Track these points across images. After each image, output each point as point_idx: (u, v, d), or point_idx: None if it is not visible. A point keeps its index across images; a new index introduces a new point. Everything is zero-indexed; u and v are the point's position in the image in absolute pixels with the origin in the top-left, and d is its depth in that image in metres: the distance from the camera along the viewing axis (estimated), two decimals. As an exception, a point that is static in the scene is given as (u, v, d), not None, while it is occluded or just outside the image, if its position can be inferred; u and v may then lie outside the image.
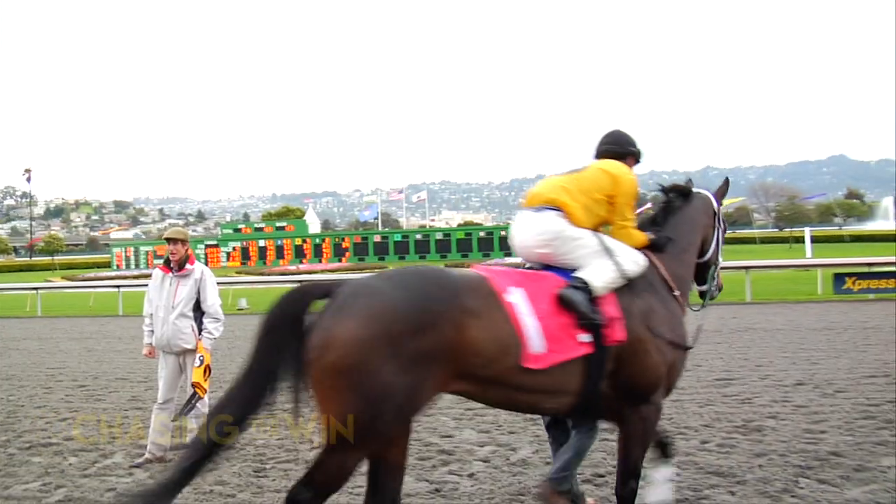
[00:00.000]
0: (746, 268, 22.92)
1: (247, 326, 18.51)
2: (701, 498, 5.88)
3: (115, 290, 30.24)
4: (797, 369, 11.14)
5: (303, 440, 8.11)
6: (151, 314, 8.00)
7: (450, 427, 8.40)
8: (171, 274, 7.85)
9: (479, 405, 9.10)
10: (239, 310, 25.35)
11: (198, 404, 7.51)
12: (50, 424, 9.43)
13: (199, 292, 7.78)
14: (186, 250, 7.86)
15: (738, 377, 10.46)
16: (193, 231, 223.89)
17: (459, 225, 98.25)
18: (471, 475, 6.70)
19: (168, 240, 7.89)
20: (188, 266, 7.81)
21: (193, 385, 7.49)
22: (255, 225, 79.10)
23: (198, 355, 7.58)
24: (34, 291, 30.64)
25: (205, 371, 7.50)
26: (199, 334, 7.71)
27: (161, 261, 8.11)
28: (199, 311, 7.78)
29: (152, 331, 7.96)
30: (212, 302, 7.79)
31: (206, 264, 57.56)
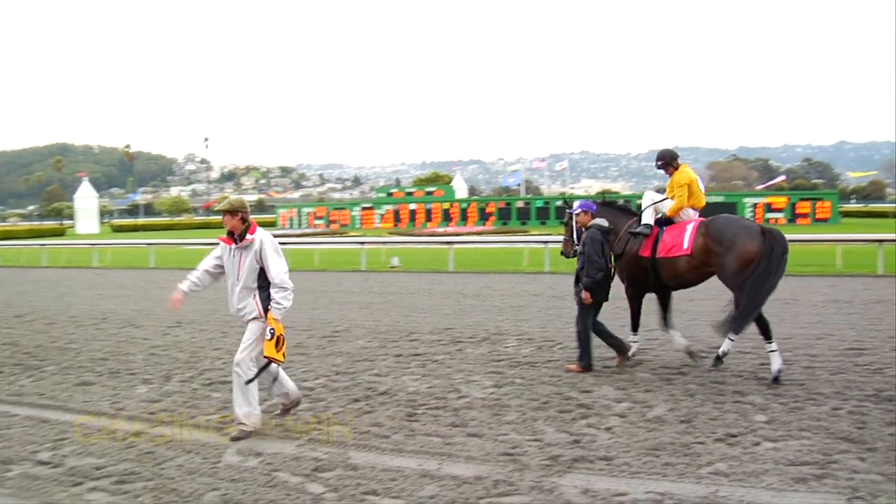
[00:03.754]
0: (879, 241, 21.85)
1: (399, 282, 18.88)
2: (830, 462, 5.72)
3: (281, 246, 30.94)
4: (928, 340, 10.62)
5: (450, 389, 8.27)
6: (205, 269, 7.58)
7: (589, 383, 8.37)
8: (233, 245, 7.19)
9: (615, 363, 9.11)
10: (391, 267, 25.74)
11: (282, 380, 7.23)
12: (226, 364, 9.86)
13: (261, 263, 7.03)
14: (243, 220, 7.07)
15: (869, 347, 10.02)
16: (350, 194, 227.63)
17: (598, 193, 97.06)
18: (608, 429, 6.68)
19: (220, 212, 7.25)
20: (248, 236, 7.06)
21: (266, 357, 6.90)
22: (407, 189, 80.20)
23: (268, 328, 6.89)
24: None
25: (277, 342, 6.86)
26: (269, 306, 6.97)
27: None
28: (267, 281, 7.04)
29: (193, 281, 7.56)
30: (276, 272, 6.96)
31: (361, 226, 57.94)
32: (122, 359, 10.49)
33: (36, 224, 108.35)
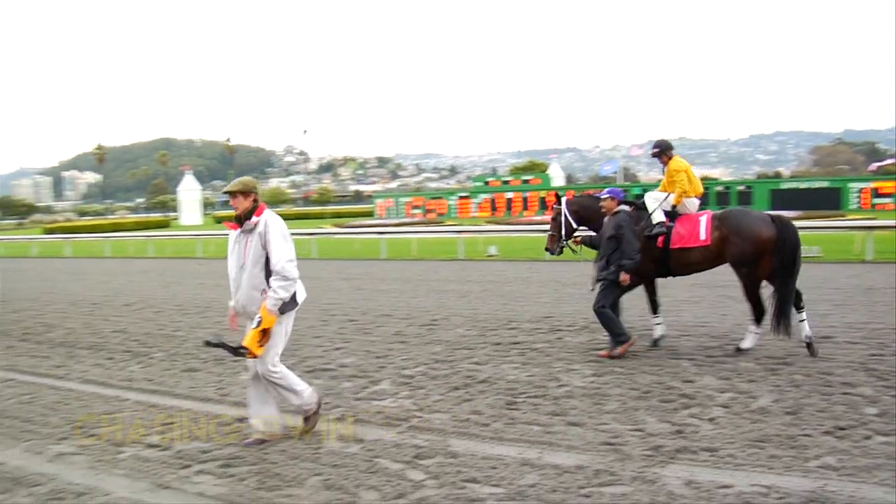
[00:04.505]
0: None
1: (497, 271, 18.87)
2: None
3: (378, 236, 31.33)
4: None
5: (550, 377, 8.23)
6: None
7: (691, 372, 8.22)
8: (239, 230, 6.39)
9: (720, 352, 8.92)
10: (488, 256, 25.73)
11: (283, 392, 6.46)
12: (326, 352, 10.03)
13: (266, 248, 6.27)
14: (250, 202, 6.34)
15: None
16: (447, 183, 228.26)
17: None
18: (711, 419, 6.54)
19: (226, 193, 6.42)
20: (253, 218, 6.30)
21: (243, 347, 6.25)
22: (503, 178, 79.97)
23: (257, 316, 6.20)
24: (310, 236, 32.47)
25: (261, 334, 6.18)
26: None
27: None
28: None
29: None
30: (277, 257, 6.20)
31: (458, 215, 57.92)
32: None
33: (142, 216, 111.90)
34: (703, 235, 9.14)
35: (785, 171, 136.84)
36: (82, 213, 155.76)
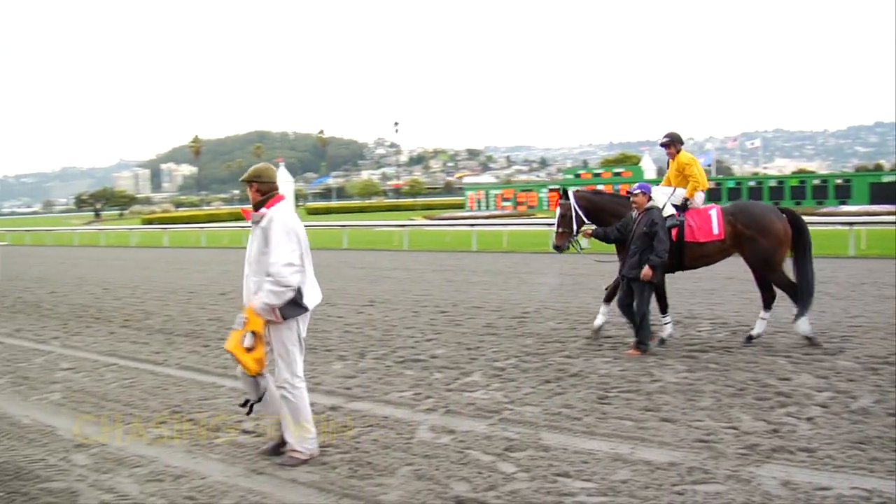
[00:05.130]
0: None
1: (588, 264, 18.68)
2: None
3: (469, 228, 31.28)
4: None
5: (643, 372, 8.15)
6: None
7: (787, 370, 8.03)
8: (251, 222, 5.84)
9: (819, 351, 8.71)
10: (580, 249, 25.51)
11: (288, 413, 5.85)
12: (418, 343, 10.12)
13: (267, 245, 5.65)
14: (260, 192, 5.79)
15: None
16: (537, 176, 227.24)
17: (793, 173, 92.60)
18: (809, 419, 6.38)
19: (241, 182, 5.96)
20: (261, 210, 5.72)
21: (228, 352, 5.76)
22: (594, 171, 79.16)
23: (240, 315, 5.69)
24: (401, 228, 32.67)
25: (248, 338, 5.57)
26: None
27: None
28: None
29: None
30: (276, 258, 5.52)
31: (548, 207, 57.42)
32: (319, 335, 10.91)
33: (237, 207, 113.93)
34: (716, 230, 9.29)
35: (886, 163, 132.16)
36: (179, 205, 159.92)
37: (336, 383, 8.18)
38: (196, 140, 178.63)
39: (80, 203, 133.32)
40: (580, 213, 9.82)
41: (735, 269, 17.47)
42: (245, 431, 6.66)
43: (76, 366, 9.63)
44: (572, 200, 9.85)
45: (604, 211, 9.88)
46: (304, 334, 5.91)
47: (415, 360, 9.11)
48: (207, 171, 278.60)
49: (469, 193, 74.53)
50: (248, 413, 6.01)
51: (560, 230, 9.94)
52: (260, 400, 5.94)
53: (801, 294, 9.11)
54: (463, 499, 4.98)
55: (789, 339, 9.40)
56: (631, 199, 9.31)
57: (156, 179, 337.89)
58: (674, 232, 9.27)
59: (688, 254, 9.39)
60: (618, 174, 70.71)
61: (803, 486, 4.97)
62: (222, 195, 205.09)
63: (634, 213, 9.26)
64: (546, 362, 8.76)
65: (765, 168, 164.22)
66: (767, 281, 9.41)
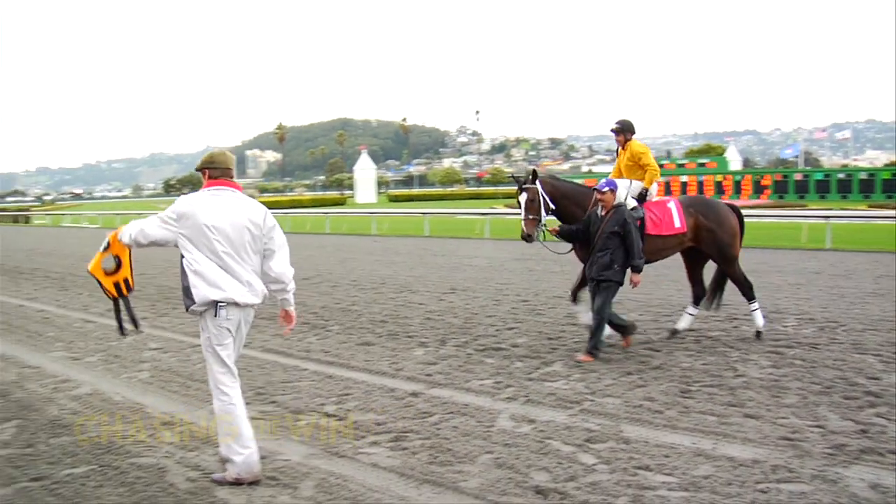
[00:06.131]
0: None
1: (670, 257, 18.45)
2: None
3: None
4: None
5: (726, 367, 8.02)
6: None
7: (876, 369, 7.81)
8: None
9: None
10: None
11: (220, 427, 5.38)
12: (499, 332, 10.13)
13: None
14: (214, 178, 5.47)
15: None
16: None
17: (885, 165, 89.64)
18: (899, 420, 6.22)
19: None
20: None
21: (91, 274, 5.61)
22: (678, 161, 78.14)
23: (106, 239, 5.58)
24: (483, 216, 32.69)
25: (104, 261, 5.55)
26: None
27: None
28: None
29: None
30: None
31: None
32: (401, 322, 11.02)
33: (319, 194, 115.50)
34: (678, 223, 9.26)
35: None
36: (263, 190, 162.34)
37: (417, 370, 8.25)
38: (281, 127, 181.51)
39: (168, 188, 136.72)
40: (546, 198, 9.17)
41: (823, 264, 17.16)
42: (327, 415, 6.77)
43: (163, 346, 9.91)
44: (539, 186, 9.14)
45: (567, 198, 9.33)
46: (217, 339, 5.41)
47: (496, 349, 9.13)
48: (291, 158, 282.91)
49: (550, 183, 73.99)
50: (122, 335, 5.93)
51: (529, 216, 9.11)
52: (121, 325, 5.82)
53: (716, 291, 9.75)
54: (543, 489, 4.99)
55: (879, 338, 9.16)
56: (597, 196, 8.84)
57: (241, 165, 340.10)
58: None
59: (648, 247, 9.03)
60: (702, 165, 69.67)
61: (893, 490, 4.85)
62: (305, 181, 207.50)
63: (600, 211, 8.83)
64: (628, 354, 8.70)
65: (854, 160, 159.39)
66: (701, 277, 9.83)
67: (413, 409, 6.85)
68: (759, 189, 58.89)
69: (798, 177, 58.33)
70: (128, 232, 5.38)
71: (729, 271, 9.55)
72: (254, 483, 5.23)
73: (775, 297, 12.39)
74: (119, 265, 5.57)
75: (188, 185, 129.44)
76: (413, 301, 13.01)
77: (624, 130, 9.70)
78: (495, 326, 10.52)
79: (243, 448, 5.24)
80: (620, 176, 9.65)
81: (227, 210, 5.28)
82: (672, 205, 9.37)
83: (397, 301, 13.11)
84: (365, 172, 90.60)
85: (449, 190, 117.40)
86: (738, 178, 61.54)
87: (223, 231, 5.21)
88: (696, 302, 9.75)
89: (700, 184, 62.15)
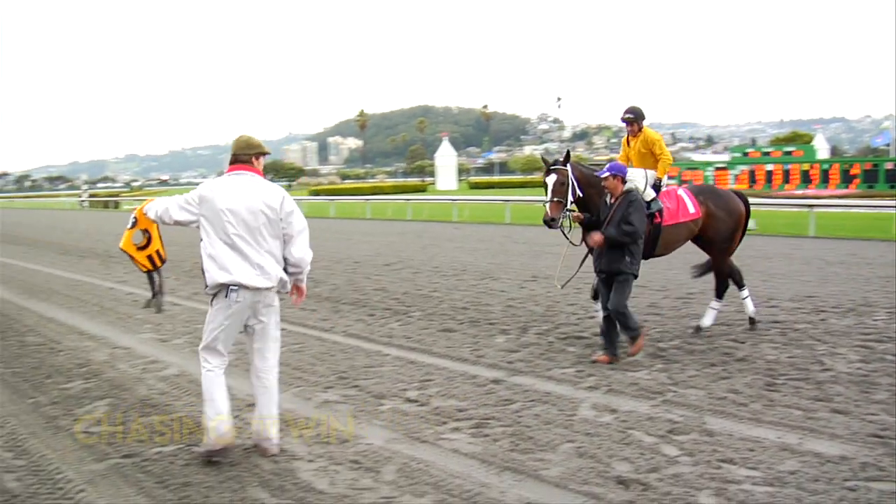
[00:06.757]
0: None
1: (756, 246, 18.15)
2: None
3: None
4: None
5: (813, 360, 7.85)
6: None
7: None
8: None
9: None
10: (748, 230, 24.71)
11: (204, 397, 5.67)
12: (581, 320, 10.11)
13: None
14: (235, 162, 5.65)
15: None
16: (703, 154, 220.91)
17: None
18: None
19: None
20: None
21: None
22: (763, 149, 76.40)
23: (132, 215, 5.90)
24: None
25: (134, 237, 5.91)
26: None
27: None
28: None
29: None
30: None
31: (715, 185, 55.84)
32: (482, 309, 11.06)
33: (400, 181, 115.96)
34: (692, 209, 9.06)
35: None
36: (344, 177, 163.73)
37: (498, 357, 8.28)
38: (362, 114, 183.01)
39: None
40: (575, 183, 8.60)
41: (916, 256, 16.61)
42: (409, 400, 6.84)
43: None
44: (570, 169, 8.62)
45: (593, 187, 8.60)
46: (225, 319, 5.55)
47: (577, 338, 9.12)
48: (372, 145, 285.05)
49: (632, 171, 73.22)
50: (147, 307, 6.48)
51: (555, 200, 8.49)
52: (155, 296, 6.25)
53: (734, 270, 9.52)
54: (625, 479, 4.98)
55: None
56: (602, 183, 8.20)
57: (323, 152, 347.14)
58: (657, 215, 8.78)
59: (664, 238, 8.88)
60: (788, 153, 67.93)
61: None
62: (386, 168, 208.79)
63: (608, 199, 8.21)
64: (711, 345, 8.58)
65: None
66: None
67: (494, 396, 6.88)
68: (847, 179, 57.18)
69: (889, 166, 56.36)
70: (154, 209, 5.64)
71: (717, 261, 9.42)
72: (222, 450, 5.51)
73: (864, 289, 12.08)
74: (150, 239, 5.93)
75: (270, 171, 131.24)
76: (494, 288, 13.03)
77: (637, 118, 9.48)
78: (577, 315, 10.49)
79: (216, 414, 5.51)
80: (628, 164, 9.22)
81: (244, 194, 5.41)
82: (682, 192, 9.22)
83: (478, 288, 13.15)
84: (446, 159, 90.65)
85: (530, 177, 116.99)
86: (825, 166, 59.84)
87: (238, 214, 5.35)
88: (720, 295, 9.42)
89: (786, 172, 60.66)
